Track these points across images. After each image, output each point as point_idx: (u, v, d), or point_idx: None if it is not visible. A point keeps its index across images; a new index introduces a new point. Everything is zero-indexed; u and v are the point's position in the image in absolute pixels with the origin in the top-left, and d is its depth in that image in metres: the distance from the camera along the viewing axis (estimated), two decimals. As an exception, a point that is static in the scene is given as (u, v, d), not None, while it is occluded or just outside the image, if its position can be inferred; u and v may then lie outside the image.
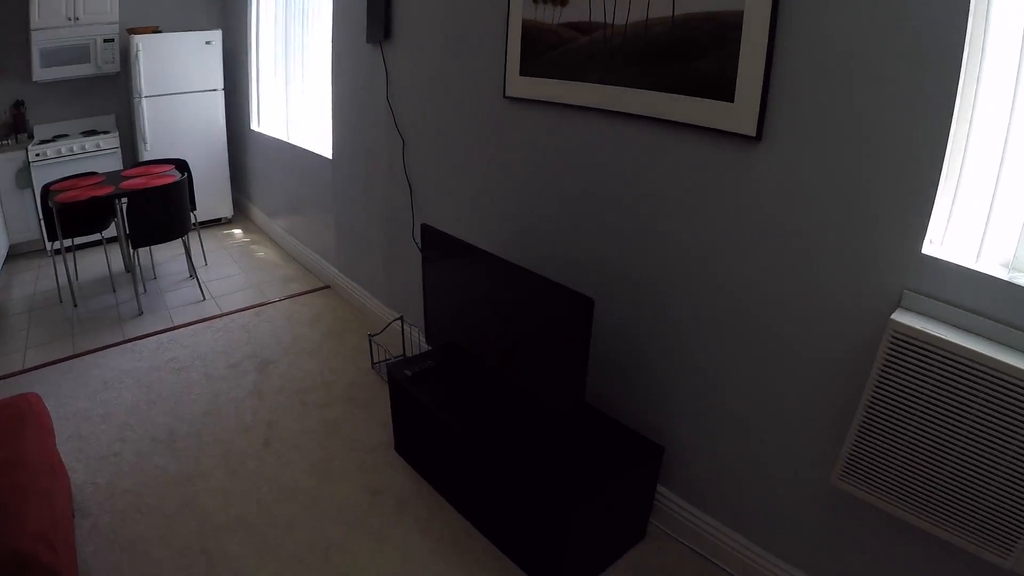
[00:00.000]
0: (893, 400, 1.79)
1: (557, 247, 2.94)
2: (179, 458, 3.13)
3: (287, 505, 2.87)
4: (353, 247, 4.71)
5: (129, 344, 4.15)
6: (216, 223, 6.48)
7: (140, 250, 4.72)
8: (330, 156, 4.70)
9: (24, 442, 2.36)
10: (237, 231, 6.40)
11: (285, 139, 5.48)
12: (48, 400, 3.46)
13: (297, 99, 5.39)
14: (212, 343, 4.21)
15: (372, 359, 3.99)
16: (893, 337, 1.75)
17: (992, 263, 1.78)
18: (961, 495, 1.73)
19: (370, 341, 3.97)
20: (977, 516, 1.72)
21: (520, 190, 3.08)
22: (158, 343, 4.18)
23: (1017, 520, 1.66)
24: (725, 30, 2.08)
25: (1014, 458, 1.63)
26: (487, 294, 2.82)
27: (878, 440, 1.85)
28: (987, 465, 1.67)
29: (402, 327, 4.04)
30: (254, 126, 6.06)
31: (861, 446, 1.89)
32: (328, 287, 5.14)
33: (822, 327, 2.08)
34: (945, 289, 1.79)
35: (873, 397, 1.83)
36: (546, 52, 2.73)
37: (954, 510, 1.76)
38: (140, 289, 4.81)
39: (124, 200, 4.49)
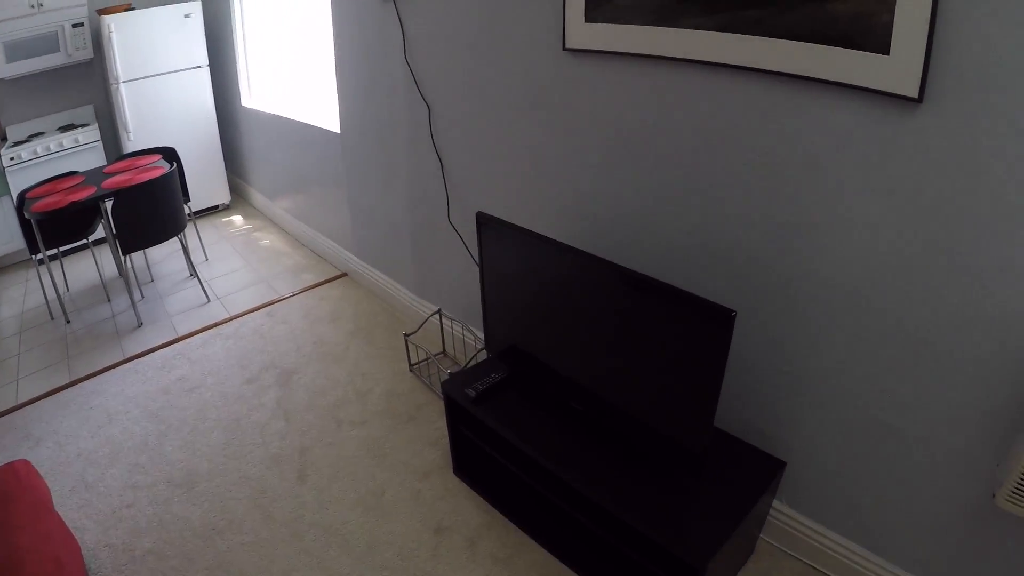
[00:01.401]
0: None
1: (643, 233, 2.46)
2: (202, 504, 2.68)
3: (339, 556, 2.44)
4: (371, 230, 4.21)
5: (131, 364, 3.67)
6: (213, 211, 5.96)
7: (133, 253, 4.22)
8: (337, 129, 4.18)
9: (18, 533, 1.93)
10: (237, 218, 5.87)
11: (283, 114, 4.93)
12: (47, 443, 3.07)
13: (294, 69, 4.84)
14: (224, 354, 3.73)
15: (409, 361, 3.53)
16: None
17: None
18: None
19: (406, 342, 3.49)
20: None
21: (589, 163, 2.57)
22: (163, 359, 3.70)
23: None
24: (879, -38, 1.60)
25: None
26: (575, 299, 2.31)
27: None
28: None
29: (440, 321, 3.57)
30: (245, 102, 5.52)
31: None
32: (345, 275, 4.66)
33: (986, 325, 1.73)
34: None
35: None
36: (623, -9, 2.18)
37: None
38: (136, 296, 4.32)
39: (109, 201, 3.97)
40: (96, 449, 3.00)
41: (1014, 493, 1.66)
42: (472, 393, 2.55)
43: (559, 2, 2.42)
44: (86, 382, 3.53)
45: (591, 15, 2.32)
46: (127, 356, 3.74)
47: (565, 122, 2.61)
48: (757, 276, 2.19)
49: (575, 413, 2.42)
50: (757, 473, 2.21)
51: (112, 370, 3.62)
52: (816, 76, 1.81)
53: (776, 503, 2.40)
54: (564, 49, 2.48)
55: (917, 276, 1.83)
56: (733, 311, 1.81)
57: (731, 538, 1.98)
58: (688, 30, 2.05)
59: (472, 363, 3.19)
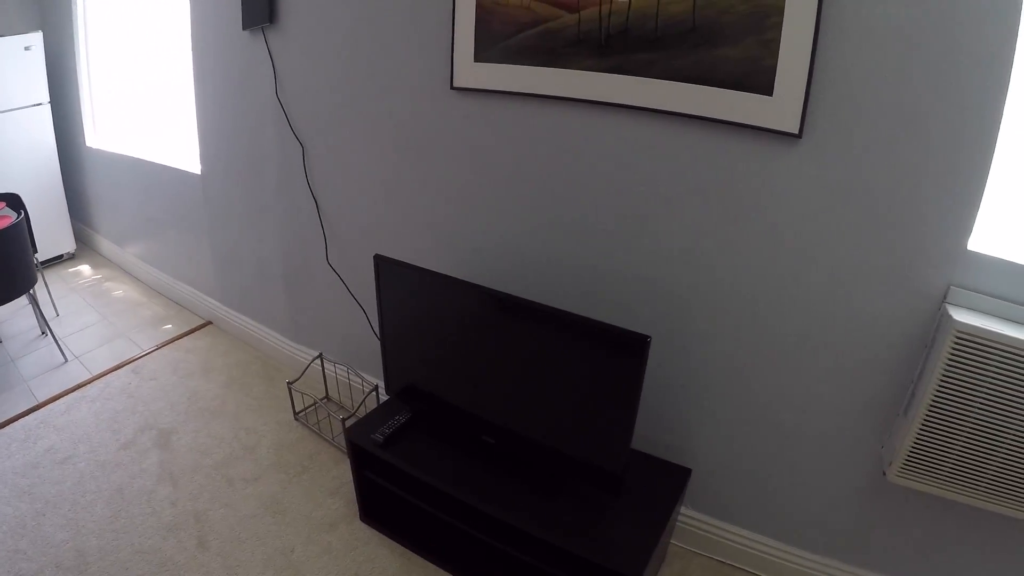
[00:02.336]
0: (955, 396, 1.79)
1: (537, 266, 2.60)
2: (98, 586, 2.51)
3: (257, 627, 2.34)
4: (238, 275, 4.09)
5: (-10, 436, 3.39)
6: (58, 261, 5.55)
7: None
8: (198, 171, 4.02)
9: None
10: (85, 267, 5.51)
11: (134, 155, 4.69)
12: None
13: (147, 106, 4.61)
14: (92, 419, 3.50)
15: (294, 409, 3.45)
16: (956, 337, 1.74)
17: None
18: (1017, 471, 1.79)
19: (290, 390, 3.41)
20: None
21: (478, 200, 2.67)
22: (26, 430, 3.42)
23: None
24: (764, 13, 1.81)
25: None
26: (482, 336, 2.40)
27: (939, 435, 1.85)
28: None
29: (322, 366, 3.50)
30: (91, 142, 5.20)
31: (922, 442, 1.88)
32: (209, 323, 4.50)
33: (863, 327, 2.04)
34: (992, 284, 1.82)
35: (936, 396, 1.81)
36: (514, 33, 2.29)
37: (1010, 485, 1.82)
38: (-15, 360, 4.00)
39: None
40: (-34, 536, 2.76)
41: (904, 468, 1.93)
42: (379, 438, 2.56)
43: (447, 42, 2.50)
44: (-60, 461, 3.23)
45: (481, 55, 2.42)
46: (-17, 429, 3.46)
47: (453, 160, 2.70)
48: (651, 299, 2.37)
49: (487, 447, 2.49)
50: (668, 482, 2.38)
51: (-31, 445, 3.33)
52: (706, 115, 2.01)
53: (685, 509, 2.60)
54: (452, 88, 2.55)
55: (800, 289, 2.10)
56: (648, 337, 1.95)
57: (658, 546, 2.13)
58: (580, 71, 2.19)
59: (362, 406, 3.18)
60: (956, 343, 1.73)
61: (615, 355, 2.03)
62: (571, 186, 2.40)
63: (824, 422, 2.20)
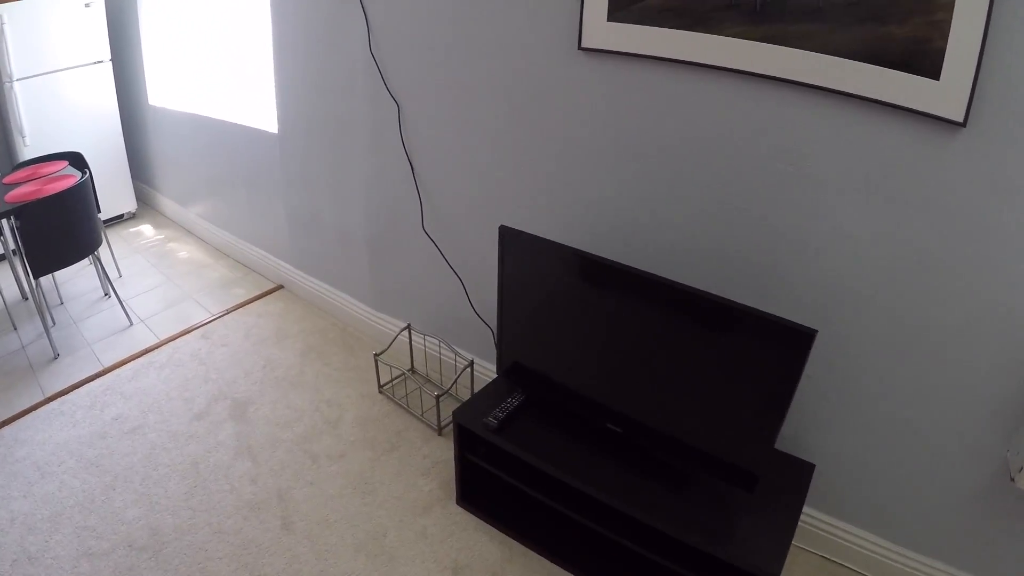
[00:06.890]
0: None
1: (665, 245, 2.37)
2: (177, 570, 2.29)
3: (353, 619, 2.10)
4: (315, 238, 3.85)
5: (54, 403, 3.17)
6: (119, 220, 5.34)
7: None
8: (274, 129, 3.78)
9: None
10: (146, 227, 5.28)
11: (202, 113, 4.45)
12: (-31, 511, 2.56)
13: (213, 63, 4.34)
14: (162, 386, 3.28)
15: (379, 382, 3.19)
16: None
17: None
18: None
19: (376, 362, 3.16)
20: None
21: (602, 170, 2.43)
22: (91, 396, 3.21)
23: None
24: (936, -9, 1.63)
25: None
26: (618, 318, 2.19)
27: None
28: None
29: (410, 337, 3.26)
30: (153, 101, 4.98)
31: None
32: (280, 287, 4.26)
33: (1002, 328, 1.86)
34: None
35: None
36: (657, -8, 2.06)
37: None
38: (48, 322, 3.78)
39: (14, 218, 3.43)
40: (33, 511, 2.53)
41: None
42: (493, 422, 2.34)
43: (575, -1, 2.23)
44: (4, 429, 3.00)
45: (615, 15, 2.19)
46: (48, 395, 3.23)
47: (576, 127, 2.45)
48: (780, 286, 2.19)
49: (610, 436, 2.30)
50: (794, 479, 2.23)
51: (33, 412, 3.11)
52: (864, 95, 1.83)
53: (807, 508, 2.43)
54: (580, 48, 2.31)
55: (943, 286, 1.92)
56: (814, 331, 1.78)
57: (786, 548, 1.99)
58: (730, 38, 2.00)
59: (455, 383, 3.01)
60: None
61: (771, 349, 1.86)
62: (710, 162, 2.19)
63: (952, 422, 2.05)
